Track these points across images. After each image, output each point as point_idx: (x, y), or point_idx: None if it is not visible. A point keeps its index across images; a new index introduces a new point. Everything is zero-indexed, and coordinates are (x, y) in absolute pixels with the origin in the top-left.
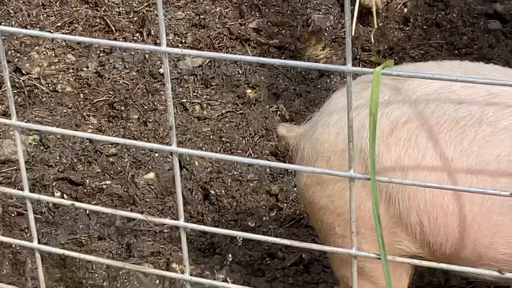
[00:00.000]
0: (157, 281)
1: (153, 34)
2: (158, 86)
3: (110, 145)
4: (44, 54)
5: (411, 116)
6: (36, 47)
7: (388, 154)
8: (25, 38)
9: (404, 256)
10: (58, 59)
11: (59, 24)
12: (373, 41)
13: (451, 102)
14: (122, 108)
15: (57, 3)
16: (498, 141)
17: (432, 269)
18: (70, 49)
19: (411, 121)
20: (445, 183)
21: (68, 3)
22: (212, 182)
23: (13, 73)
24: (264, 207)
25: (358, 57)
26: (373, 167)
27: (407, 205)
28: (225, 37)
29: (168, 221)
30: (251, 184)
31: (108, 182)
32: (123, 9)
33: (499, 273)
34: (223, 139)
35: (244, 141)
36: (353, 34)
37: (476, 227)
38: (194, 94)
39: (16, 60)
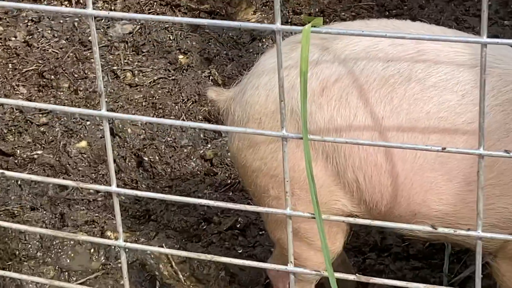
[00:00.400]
0: (92, 250)
1: (81, 2)
2: (88, 54)
3: (40, 115)
4: None
5: (341, 75)
6: None
7: (320, 114)
8: None
9: (341, 216)
10: None
11: None
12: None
13: (379, 60)
14: (52, 77)
15: None
16: (427, 98)
17: (368, 228)
18: None
19: (341, 80)
20: (377, 142)
21: None
22: (145, 149)
23: None
24: (198, 173)
25: (289, 20)
26: (305, 125)
27: (343, 163)
28: (155, 3)
29: (99, 186)
30: (185, 150)
31: (39, 152)
32: None
33: (432, 228)
34: (156, 105)
35: (177, 107)
36: None
37: (409, 185)
38: (125, 61)
39: None
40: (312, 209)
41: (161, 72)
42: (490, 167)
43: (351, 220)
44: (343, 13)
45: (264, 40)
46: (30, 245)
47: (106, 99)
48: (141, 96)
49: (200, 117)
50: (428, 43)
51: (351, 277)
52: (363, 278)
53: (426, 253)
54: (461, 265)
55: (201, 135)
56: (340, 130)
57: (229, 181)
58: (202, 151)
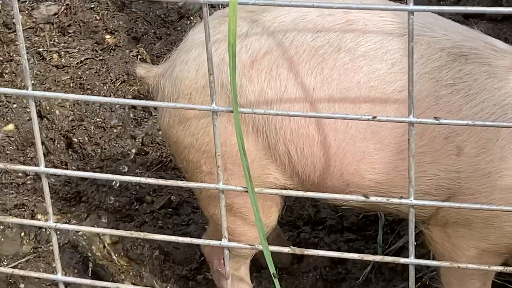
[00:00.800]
0: (22, 234)
1: None
2: (13, 37)
3: None
4: None
5: (271, 47)
6: None
7: (251, 87)
8: None
9: (274, 189)
10: None
11: None
12: None
13: (309, 31)
14: None
15: None
16: (357, 68)
17: (301, 202)
18: None
19: (270, 53)
20: (308, 113)
21: None
22: (74, 130)
23: None
24: (129, 152)
25: None
26: (235, 99)
27: (274, 136)
28: None
29: (27, 167)
30: (115, 130)
31: None
32: None
33: (365, 197)
34: (84, 86)
35: (105, 87)
36: None
37: (341, 155)
38: (51, 42)
39: None
40: (245, 184)
41: (88, 52)
42: (421, 134)
43: (284, 192)
44: None
45: (192, 17)
46: None
47: (32, 81)
48: (69, 77)
49: (130, 97)
50: (356, 13)
51: (285, 249)
52: (298, 250)
53: (360, 225)
54: (395, 235)
55: (131, 115)
56: (271, 102)
57: (160, 160)
58: (132, 131)
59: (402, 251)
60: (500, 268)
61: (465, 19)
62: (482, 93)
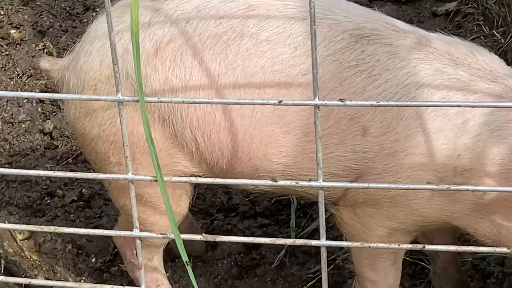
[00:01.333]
0: None
1: None
2: None
3: None
4: None
5: (174, 35)
6: None
7: (155, 76)
8: None
9: (183, 177)
10: None
11: None
12: None
13: (211, 18)
14: None
15: None
16: (261, 53)
17: (214, 190)
18: None
19: (174, 41)
20: (214, 99)
21: None
22: None
23: None
24: (38, 147)
25: None
26: (141, 87)
27: (180, 124)
28: None
29: None
30: (23, 125)
31: None
32: None
33: (273, 181)
34: None
35: (12, 82)
36: None
37: (249, 140)
38: None
39: None
40: (154, 173)
41: None
42: (327, 116)
43: (194, 180)
44: None
45: (98, 9)
46: None
47: None
48: None
49: (37, 91)
50: None
51: (197, 237)
52: (210, 238)
53: (273, 210)
54: (307, 218)
55: (39, 109)
56: (176, 90)
57: (70, 153)
58: (41, 125)
59: (315, 234)
60: (410, 246)
61: (369, 1)
62: (384, 74)
